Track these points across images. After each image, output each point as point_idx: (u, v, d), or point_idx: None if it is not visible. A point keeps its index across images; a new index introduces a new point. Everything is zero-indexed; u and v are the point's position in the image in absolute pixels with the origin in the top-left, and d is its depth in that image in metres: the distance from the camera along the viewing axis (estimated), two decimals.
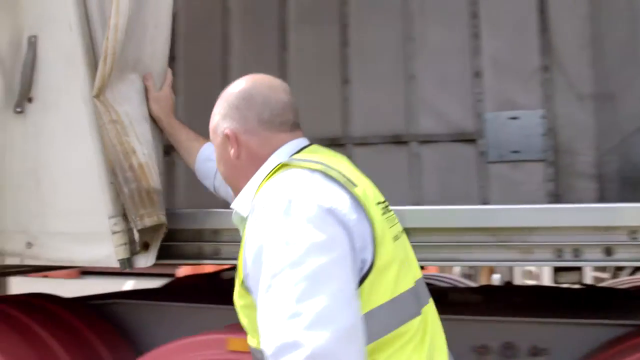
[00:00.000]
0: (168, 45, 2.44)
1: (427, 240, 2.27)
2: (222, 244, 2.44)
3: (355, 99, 4.02)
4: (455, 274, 7.08)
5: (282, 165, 1.58)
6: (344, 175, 1.54)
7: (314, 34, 4.15)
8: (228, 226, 2.21)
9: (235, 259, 1.62)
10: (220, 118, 1.77)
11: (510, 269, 7.56)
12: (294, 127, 1.76)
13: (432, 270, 6.38)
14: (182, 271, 11.60)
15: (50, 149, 2.35)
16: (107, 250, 2.21)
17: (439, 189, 3.82)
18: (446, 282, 5.30)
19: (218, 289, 3.91)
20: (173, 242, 2.44)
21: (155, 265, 2.31)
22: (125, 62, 2.24)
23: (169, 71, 2.45)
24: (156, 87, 2.38)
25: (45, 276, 16.35)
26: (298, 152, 1.69)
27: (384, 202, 1.67)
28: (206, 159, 2.33)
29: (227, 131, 1.72)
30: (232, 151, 1.71)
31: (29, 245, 2.37)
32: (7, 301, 3.31)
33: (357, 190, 1.53)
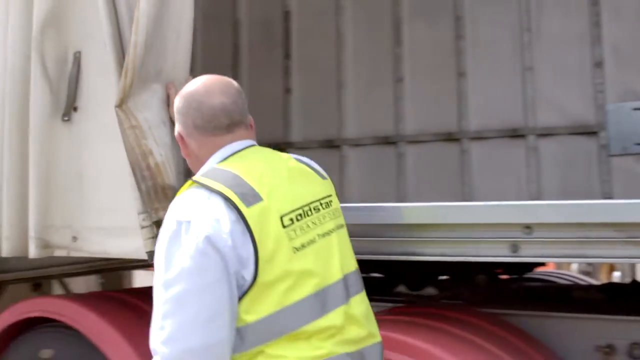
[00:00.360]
0: (189, 55, 2.58)
1: (550, 236, 2.21)
2: None
3: (470, 92, 3.97)
4: (572, 271, 6.84)
5: (191, 183, 1.77)
6: (246, 194, 1.68)
7: (428, 27, 4.12)
8: None
9: None
10: (176, 119, 1.98)
11: (632, 266, 7.23)
12: (230, 128, 1.89)
13: (550, 267, 6.19)
14: None
15: (91, 152, 2.63)
16: (137, 243, 2.42)
17: (558, 184, 3.72)
18: (566, 280, 5.12)
19: None
20: None
21: None
22: (147, 73, 2.44)
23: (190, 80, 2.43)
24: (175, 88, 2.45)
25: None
26: (232, 154, 1.86)
27: (305, 206, 1.78)
28: None
29: (176, 133, 1.96)
30: (183, 150, 1.97)
31: (74, 239, 2.67)
32: (135, 293, 3.47)
33: (253, 210, 1.66)
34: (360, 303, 1.85)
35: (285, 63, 4.49)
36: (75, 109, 2.70)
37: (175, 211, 1.72)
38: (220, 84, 1.94)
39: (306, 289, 1.69)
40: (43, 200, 2.69)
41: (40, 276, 4.55)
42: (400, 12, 4.19)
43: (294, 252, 1.70)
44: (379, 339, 1.88)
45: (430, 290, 3.51)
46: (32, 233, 2.67)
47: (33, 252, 2.67)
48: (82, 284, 5.48)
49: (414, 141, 4.14)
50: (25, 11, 2.78)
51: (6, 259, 3.79)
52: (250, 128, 1.99)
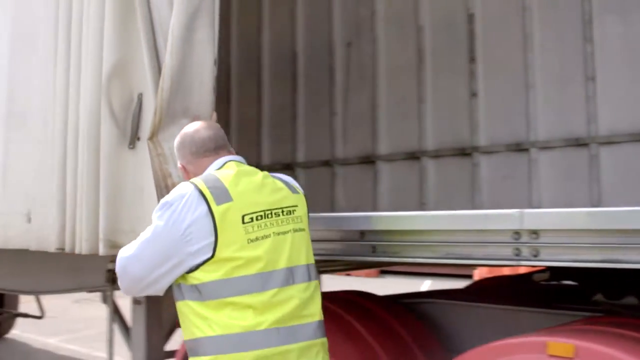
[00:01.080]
0: (212, 94, 3.12)
1: None
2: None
3: None
4: None
5: (192, 182, 2.44)
6: (216, 195, 2.34)
7: (620, 23, 3.92)
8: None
9: None
10: (177, 157, 2.72)
11: None
12: (217, 150, 2.62)
13: None
14: (481, 272, 11.57)
15: (150, 172, 3.13)
16: None
17: None
18: None
19: (527, 291, 3.84)
20: None
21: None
22: (175, 112, 3.06)
23: (214, 114, 3.13)
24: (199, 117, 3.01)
25: (348, 274, 17.29)
26: (220, 167, 2.54)
27: (267, 210, 2.40)
28: None
29: (179, 166, 2.71)
30: (185, 176, 2.67)
31: None
32: (326, 297, 3.55)
33: (219, 208, 2.31)
34: (303, 290, 2.40)
35: (470, 67, 4.45)
36: (138, 138, 3.32)
37: (172, 193, 2.44)
38: (205, 124, 2.72)
39: (251, 269, 2.30)
40: (112, 210, 3.34)
41: None
42: (590, 8, 4.02)
43: (248, 243, 2.32)
44: (316, 319, 2.43)
45: (631, 300, 3.32)
46: (101, 235, 3.35)
47: (102, 251, 3.33)
48: None
49: (608, 142, 3.94)
50: (97, 64, 3.49)
51: None
52: (231, 152, 2.68)
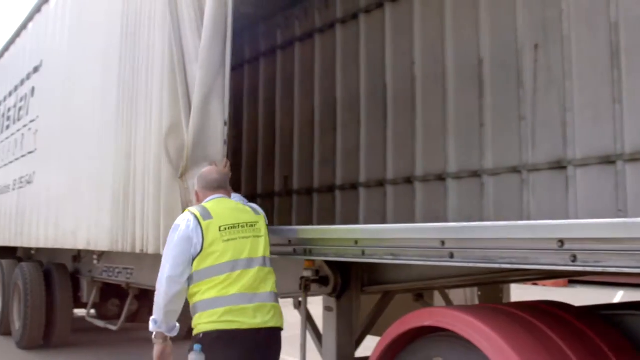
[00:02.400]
0: (223, 146, 4.52)
1: None
2: None
3: None
4: None
5: (186, 210, 3.97)
6: (203, 215, 3.79)
7: None
8: None
9: None
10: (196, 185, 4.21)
11: None
12: (217, 189, 4.07)
13: None
14: None
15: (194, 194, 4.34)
16: None
17: None
18: None
19: None
20: None
21: None
22: (197, 158, 4.54)
23: (225, 159, 4.54)
24: (218, 166, 4.42)
25: (535, 284, 16.71)
26: (211, 200, 4.01)
27: (235, 224, 3.83)
28: None
29: (195, 190, 4.20)
30: (196, 198, 4.18)
31: None
32: (516, 306, 3.45)
33: (205, 223, 3.75)
34: (259, 271, 3.79)
35: None
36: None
37: (178, 219, 3.90)
38: (216, 169, 4.24)
39: (225, 259, 3.71)
40: (169, 220, 4.47)
41: (423, 287, 4.81)
42: None
43: (223, 242, 3.75)
44: (268, 290, 3.80)
45: None
46: (162, 239, 4.74)
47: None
48: (460, 296, 5.65)
49: None
50: (158, 125, 5.10)
51: (395, 272, 4.08)
52: (227, 191, 4.15)
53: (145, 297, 8.77)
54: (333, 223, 7.13)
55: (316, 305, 4.56)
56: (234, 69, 9.43)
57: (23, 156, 9.45)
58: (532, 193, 5.20)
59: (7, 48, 11.33)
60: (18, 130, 9.93)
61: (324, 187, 7.52)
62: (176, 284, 3.70)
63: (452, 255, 3.03)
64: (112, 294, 8.92)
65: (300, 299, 4.51)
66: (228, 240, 3.73)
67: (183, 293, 3.74)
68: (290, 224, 7.83)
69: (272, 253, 4.07)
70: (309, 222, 7.58)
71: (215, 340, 3.59)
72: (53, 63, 8.46)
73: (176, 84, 4.74)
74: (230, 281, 3.65)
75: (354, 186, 7.04)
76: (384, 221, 6.49)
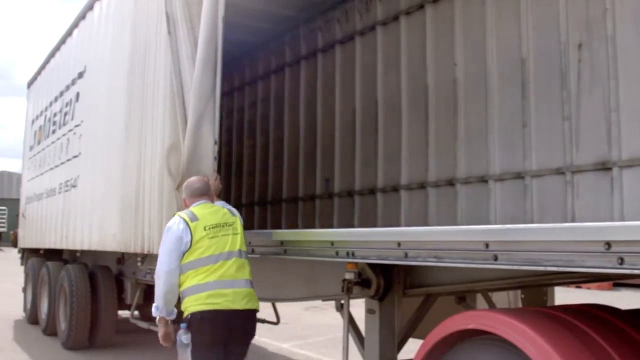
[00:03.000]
0: (213, 163, 5.27)
1: None
2: None
3: None
4: None
5: (176, 214, 4.75)
6: (191, 218, 4.55)
7: None
8: None
9: None
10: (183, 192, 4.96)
11: None
12: (201, 195, 4.79)
13: None
14: None
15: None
16: None
17: None
18: None
19: None
20: None
21: None
22: (191, 173, 5.18)
23: (215, 173, 5.26)
24: (210, 179, 5.10)
25: (578, 286, 16.47)
26: (197, 205, 4.73)
27: (217, 224, 4.58)
28: None
29: (183, 197, 4.93)
30: (184, 204, 4.91)
31: None
32: (561, 310, 3.41)
33: (193, 224, 4.51)
34: (236, 262, 4.51)
35: None
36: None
37: (170, 222, 4.63)
38: (199, 179, 4.89)
39: (209, 252, 4.44)
40: (166, 220, 5.21)
41: (466, 290, 4.78)
42: None
43: (208, 239, 4.47)
44: (245, 277, 4.53)
45: None
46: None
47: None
48: (504, 299, 5.60)
49: None
50: (161, 144, 5.98)
51: (438, 274, 4.07)
52: (210, 197, 4.85)
53: None
54: (374, 225, 7.12)
55: (358, 307, 4.56)
56: (275, 72, 9.52)
57: (68, 160, 9.72)
58: (576, 195, 5.13)
59: (52, 54, 11.57)
60: (64, 135, 10.15)
61: (365, 190, 7.52)
62: (173, 275, 4.48)
63: (496, 258, 3.01)
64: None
65: (343, 302, 4.51)
66: (212, 237, 4.52)
67: (177, 282, 4.50)
68: (332, 227, 7.85)
69: (315, 255, 4.31)
70: (350, 224, 7.58)
71: (200, 320, 4.35)
72: (96, 69, 8.76)
73: (175, 109, 5.61)
74: (212, 270, 4.43)
75: (395, 188, 7.02)
76: (425, 223, 6.46)
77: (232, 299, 4.37)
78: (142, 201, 6.44)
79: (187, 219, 4.54)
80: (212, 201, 4.86)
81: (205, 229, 4.50)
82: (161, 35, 6.09)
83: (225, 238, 4.54)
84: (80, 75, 9.40)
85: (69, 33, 10.43)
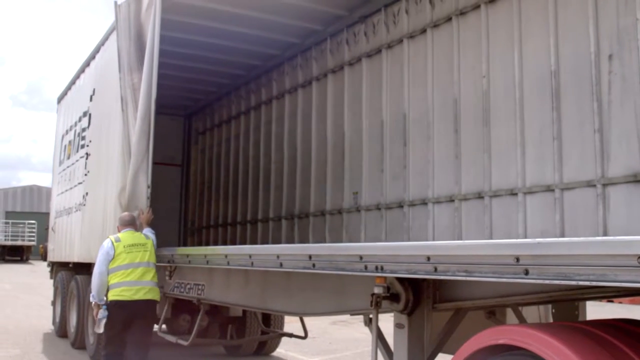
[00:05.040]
0: (147, 201, 7.39)
1: None
2: None
3: None
4: None
5: (109, 237, 7.26)
6: (116, 239, 7.02)
7: None
8: None
9: None
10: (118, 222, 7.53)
11: None
12: (127, 225, 7.19)
13: None
14: None
15: None
16: None
17: None
18: None
19: None
20: None
21: None
22: (131, 208, 7.48)
23: (148, 208, 7.37)
24: (143, 212, 7.41)
25: (610, 301, 16.21)
26: (122, 232, 7.15)
27: (135, 243, 7.01)
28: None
29: (117, 225, 7.43)
30: (118, 230, 7.37)
31: None
32: (591, 324, 3.36)
33: (117, 244, 6.97)
34: (142, 269, 6.90)
35: None
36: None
37: (104, 242, 7.14)
38: (128, 214, 7.31)
39: (125, 262, 6.88)
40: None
41: (496, 304, 4.71)
42: None
43: (125, 253, 6.91)
44: (149, 279, 6.92)
45: None
46: None
47: None
48: (534, 314, 5.52)
49: None
50: (116, 185, 8.07)
51: (467, 288, 4.03)
52: (134, 226, 7.22)
53: (216, 313, 8.91)
54: (403, 239, 7.08)
55: (386, 322, 4.52)
56: (303, 86, 9.55)
57: (82, 182, 10.78)
58: (608, 208, 5.06)
59: (82, 69, 11.73)
60: (82, 157, 10.82)
61: (393, 203, 7.49)
62: (103, 275, 6.89)
63: (526, 272, 2.97)
64: (183, 310, 9.08)
65: (371, 316, 4.48)
66: (128, 252, 6.93)
67: (107, 280, 6.88)
68: (360, 241, 7.82)
69: (343, 270, 4.26)
70: (379, 238, 7.55)
71: (114, 305, 6.83)
72: (102, 91, 9.84)
73: (124, 162, 7.82)
74: (126, 274, 6.85)
75: (424, 202, 6.98)
76: (455, 237, 6.41)
77: (135, 293, 6.81)
78: (106, 224, 8.72)
79: (113, 240, 7.02)
80: (136, 229, 7.24)
81: (124, 247, 6.94)
82: (118, 109, 8.09)
83: (137, 253, 6.96)
84: (91, 98, 10.59)
85: (87, 64, 11.22)
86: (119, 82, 7.85)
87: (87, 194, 10.24)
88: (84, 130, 11.15)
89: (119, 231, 7.11)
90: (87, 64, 11.22)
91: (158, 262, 7.19)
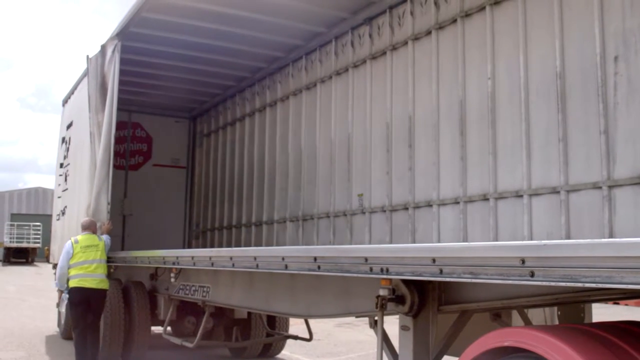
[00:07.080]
0: (108, 215, 9.44)
1: None
2: None
3: None
4: None
5: (70, 238, 9.40)
6: (75, 240, 9.00)
7: None
8: None
9: None
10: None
11: None
12: (85, 229, 9.15)
13: None
14: None
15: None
16: None
17: None
18: None
19: None
20: None
21: None
22: (98, 219, 9.46)
23: (108, 221, 9.47)
24: (104, 224, 9.48)
25: (616, 303, 16.16)
26: (81, 235, 9.14)
27: (89, 244, 8.94)
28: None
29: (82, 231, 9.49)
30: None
31: None
32: (597, 327, 3.34)
33: (75, 245, 8.94)
34: (95, 265, 8.84)
35: None
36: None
37: (66, 242, 9.24)
38: (88, 220, 9.30)
39: (82, 259, 8.84)
40: None
41: (501, 307, 4.70)
42: None
43: (82, 252, 8.86)
44: (100, 272, 8.85)
45: None
46: None
47: None
48: (540, 316, 5.51)
49: None
50: (86, 201, 9.99)
51: (473, 290, 4.02)
52: (92, 230, 9.15)
53: (221, 315, 8.91)
54: (409, 241, 7.07)
55: (391, 324, 4.52)
56: (308, 88, 9.55)
57: (60, 197, 13.07)
58: (614, 209, 5.04)
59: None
60: (65, 172, 12.86)
61: (399, 205, 7.48)
62: (64, 269, 8.78)
63: (532, 274, 2.96)
64: (188, 312, 9.09)
65: (376, 318, 4.47)
66: (84, 252, 8.76)
67: (67, 272, 8.74)
68: (365, 243, 7.82)
69: (349, 272, 4.25)
70: (384, 240, 7.54)
71: (73, 291, 8.64)
72: (78, 123, 11.57)
73: (91, 184, 9.65)
74: (83, 268, 8.68)
75: (430, 204, 6.97)
76: (460, 239, 6.40)
77: (89, 283, 8.62)
78: (78, 231, 9.92)
79: (73, 241, 8.89)
80: (94, 233, 9.05)
81: (81, 247, 8.78)
82: (87, 142, 9.98)
83: (91, 252, 8.79)
84: (68, 127, 12.74)
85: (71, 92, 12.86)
86: (88, 120, 9.94)
87: (65, 207, 12.33)
88: (67, 149, 12.65)
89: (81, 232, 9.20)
90: (72, 92, 12.73)
91: (167, 265, 7.86)
